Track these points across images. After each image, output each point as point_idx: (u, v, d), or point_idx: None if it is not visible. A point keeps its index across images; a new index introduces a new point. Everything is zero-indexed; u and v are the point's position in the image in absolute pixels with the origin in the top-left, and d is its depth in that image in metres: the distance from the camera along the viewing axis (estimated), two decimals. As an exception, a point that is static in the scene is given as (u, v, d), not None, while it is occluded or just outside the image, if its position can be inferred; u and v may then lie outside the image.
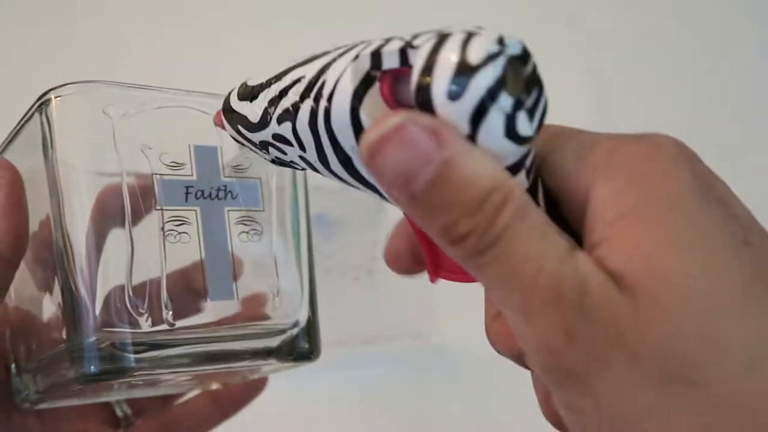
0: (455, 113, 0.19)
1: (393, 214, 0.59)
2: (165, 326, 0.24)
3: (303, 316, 0.27)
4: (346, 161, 0.22)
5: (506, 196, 0.19)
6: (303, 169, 0.24)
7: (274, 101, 0.23)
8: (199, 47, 0.78)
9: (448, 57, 0.19)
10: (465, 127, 0.19)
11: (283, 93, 0.22)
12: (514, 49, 0.19)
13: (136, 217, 0.24)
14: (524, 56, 0.20)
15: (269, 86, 0.23)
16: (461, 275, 0.24)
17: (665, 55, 0.83)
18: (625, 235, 0.19)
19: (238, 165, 0.26)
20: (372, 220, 0.56)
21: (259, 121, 0.23)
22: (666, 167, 0.19)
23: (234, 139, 0.24)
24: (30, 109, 0.25)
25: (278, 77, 0.23)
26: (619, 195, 0.19)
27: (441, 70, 0.19)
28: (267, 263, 0.26)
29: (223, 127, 0.24)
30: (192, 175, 0.25)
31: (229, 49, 0.79)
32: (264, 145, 0.24)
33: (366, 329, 0.58)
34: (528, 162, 0.21)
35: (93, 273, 0.23)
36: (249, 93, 0.24)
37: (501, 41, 0.19)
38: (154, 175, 0.24)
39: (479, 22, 0.73)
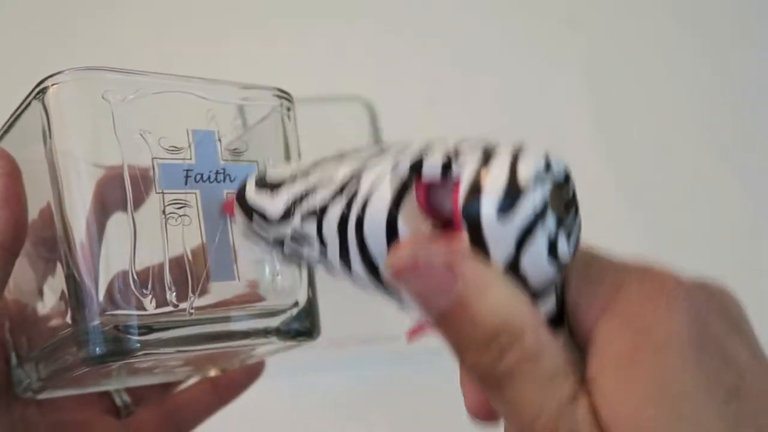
0: (503, 233, 0.19)
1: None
2: (169, 308, 0.24)
3: (302, 295, 0.28)
4: (371, 267, 0.22)
5: (513, 340, 0.19)
6: (317, 266, 0.24)
7: (299, 199, 0.23)
8: (200, 46, 0.78)
9: (498, 177, 0.19)
10: (511, 247, 0.19)
11: (311, 191, 0.23)
12: (559, 170, 0.20)
13: (137, 202, 0.25)
14: (567, 178, 0.20)
15: (294, 181, 0.23)
16: None
17: (665, 55, 0.83)
18: (613, 386, 0.19)
19: (236, 148, 0.26)
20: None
21: (280, 217, 0.23)
22: (663, 311, 0.20)
23: (245, 230, 0.25)
24: (27, 97, 0.25)
25: (305, 173, 0.23)
26: (613, 338, 0.20)
27: (490, 190, 0.19)
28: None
29: (232, 215, 0.25)
30: (191, 158, 0.25)
31: (230, 49, 0.79)
32: (278, 241, 0.24)
33: (366, 329, 0.58)
34: (558, 288, 0.21)
35: (95, 258, 0.24)
36: (269, 185, 0.24)
37: (548, 162, 0.19)
38: (154, 159, 0.24)
39: (479, 22, 0.73)
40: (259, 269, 0.27)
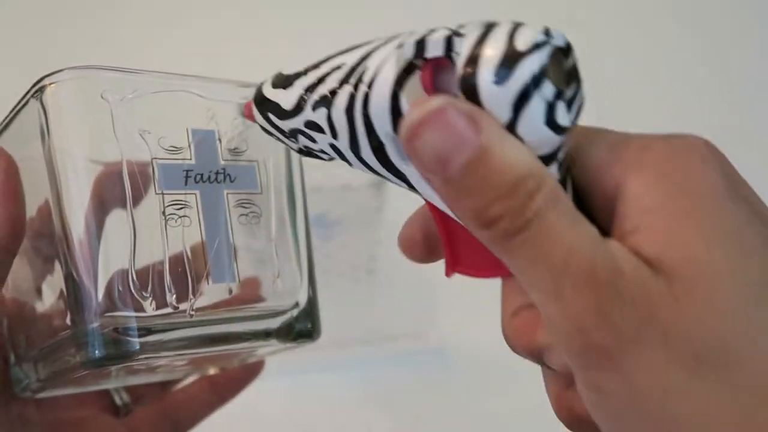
0: (499, 97, 0.19)
1: (393, 215, 0.60)
2: (169, 309, 0.24)
3: (303, 296, 0.27)
4: (378, 149, 0.22)
5: (539, 183, 0.19)
6: (330, 159, 0.24)
7: (311, 88, 0.23)
8: (199, 46, 0.78)
9: (496, 43, 0.19)
10: (507, 112, 0.20)
11: (321, 80, 0.23)
12: (558, 41, 0.20)
13: (136, 199, 0.24)
14: (567, 50, 0.21)
15: (306, 74, 0.24)
16: (480, 271, 0.24)
17: (665, 55, 0.83)
18: (659, 224, 0.19)
19: (236, 148, 0.26)
20: (372, 220, 0.56)
21: (292, 108, 0.23)
22: (696, 164, 0.20)
23: (262, 128, 0.24)
24: (25, 95, 0.25)
25: (316, 65, 0.24)
26: (651, 187, 0.20)
27: (488, 55, 0.19)
28: (267, 245, 0.27)
29: (252, 118, 0.25)
30: (191, 158, 0.25)
31: (230, 49, 0.79)
32: (293, 133, 0.24)
33: (366, 329, 0.58)
34: (560, 155, 0.21)
35: (94, 259, 0.23)
36: (284, 81, 0.24)
37: (547, 32, 0.20)
38: (153, 160, 0.24)
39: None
40: (260, 270, 0.26)
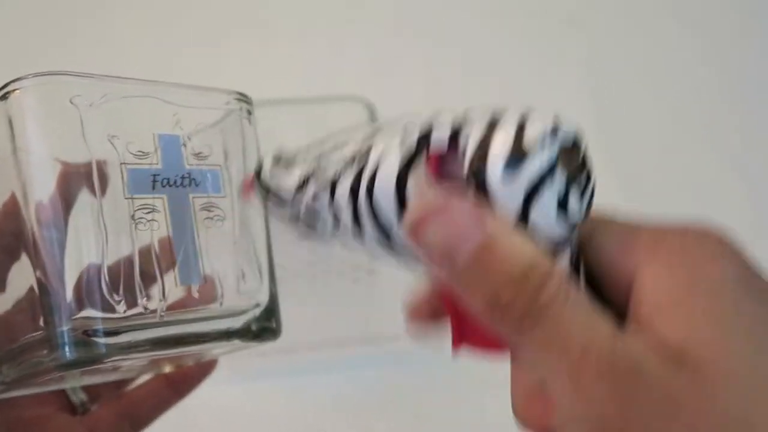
0: (509, 193, 0.20)
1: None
2: (140, 310, 0.24)
3: (264, 296, 0.28)
4: (384, 234, 0.23)
5: (549, 273, 0.19)
6: (331, 239, 0.25)
7: (312, 174, 0.24)
8: (199, 46, 0.78)
9: (504, 139, 0.19)
10: (518, 207, 0.20)
11: (323, 166, 0.23)
12: (568, 133, 0.20)
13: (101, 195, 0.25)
14: (577, 139, 0.21)
15: (306, 157, 0.24)
16: (486, 348, 0.24)
17: (665, 55, 0.83)
18: (678, 319, 0.19)
19: (200, 152, 0.27)
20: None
21: (294, 192, 0.24)
22: (711, 256, 0.20)
23: (264, 205, 0.25)
24: None
25: (317, 148, 0.24)
26: (666, 280, 0.20)
27: (496, 153, 0.19)
28: (230, 247, 0.27)
29: (249, 195, 0.25)
30: (158, 163, 0.25)
31: (229, 49, 0.79)
32: (294, 218, 0.25)
33: (366, 329, 0.58)
34: (573, 242, 0.21)
35: (62, 260, 0.24)
36: (285, 161, 0.25)
37: (556, 124, 0.20)
38: (122, 165, 0.25)
39: (479, 22, 0.73)
40: (223, 271, 0.27)
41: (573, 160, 0.20)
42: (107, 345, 0.24)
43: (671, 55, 0.83)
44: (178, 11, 0.83)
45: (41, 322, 0.24)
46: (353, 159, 0.23)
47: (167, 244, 0.25)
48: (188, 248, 0.26)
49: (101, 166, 0.24)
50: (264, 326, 0.28)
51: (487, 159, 0.19)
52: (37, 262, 0.23)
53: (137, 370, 0.31)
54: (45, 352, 0.24)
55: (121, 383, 0.33)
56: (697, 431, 0.18)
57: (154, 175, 0.25)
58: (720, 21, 0.87)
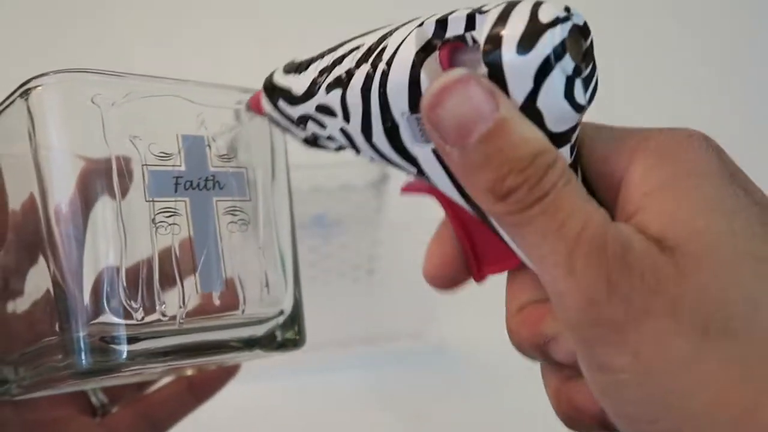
0: (522, 68, 0.20)
1: (393, 215, 0.59)
2: (158, 316, 0.24)
3: (288, 304, 0.27)
4: (391, 130, 0.22)
5: (555, 159, 0.20)
6: (337, 148, 0.24)
7: (326, 70, 0.23)
8: (199, 46, 0.78)
9: (519, 17, 0.20)
10: (529, 83, 0.20)
11: (338, 61, 0.23)
12: (578, 19, 0.21)
13: (122, 192, 0.24)
14: (585, 29, 0.21)
15: (321, 58, 0.24)
16: (506, 262, 0.25)
17: (665, 55, 0.83)
18: (662, 203, 0.21)
19: (225, 154, 0.26)
20: (371, 220, 0.56)
21: (304, 93, 0.23)
22: (695, 149, 0.22)
23: (270, 117, 0.24)
24: (10, 96, 0.24)
25: (332, 49, 0.24)
26: (653, 170, 0.21)
27: (511, 27, 0.20)
28: (254, 252, 0.26)
29: (259, 109, 0.24)
30: (180, 165, 0.25)
31: (229, 49, 0.79)
32: (302, 120, 0.23)
33: (366, 329, 0.58)
34: (573, 137, 0.22)
35: (81, 264, 0.23)
36: (297, 66, 0.24)
37: (568, 9, 0.21)
38: (144, 166, 0.24)
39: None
40: (247, 278, 0.26)
41: (580, 47, 0.21)
42: (124, 352, 0.23)
43: (671, 55, 0.83)
44: (178, 11, 0.83)
45: (57, 327, 0.23)
46: (369, 51, 0.22)
47: (188, 249, 0.24)
48: (210, 253, 0.25)
49: (122, 164, 0.24)
50: (288, 335, 0.27)
51: (501, 34, 0.20)
52: (54, 263, 0.23)
53: (158, 373, 0.31)
54: (60, 357, 0.23)
55: (142, 385, 0.33)
56: (677, 307, 0.19)
57: (177, 178, 0.24)
58: (720, 21, 0.87)
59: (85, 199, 0.24)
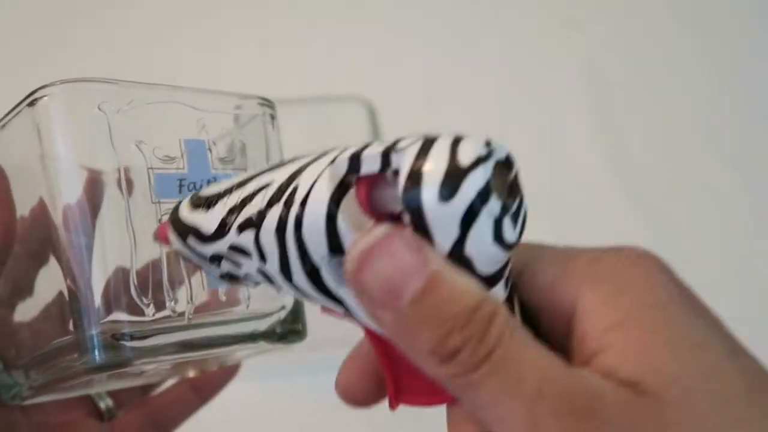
0: (446, 215, 0.18)
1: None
2: (168, 313, 0.25)
3: (289, 299, 0.28)
4: (312, 272, 0.21)
5: (495, 309, 0.19)
6: (255, 284, 0.23)
7: (235, 209, 0.22)
8: (200, 47, 0.78)
9: (438, 158, 0.18)
10: (455, 230, 0.19)
11: (247, 200, 0.22)
12: (500, 154, 0.20)
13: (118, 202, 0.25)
14: (509, 162, 0.20)
15: (229, 194, 0.23)
16: (426, 397, 0.23)
17: (665, 55, 0.83)
18: (628, 342, 0.19)
19: (225, 157, 0.27)
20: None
21: (214, 232, 0.22)
22: (652, 276, 0.20)
23: (178, 252, 0.24)
24: (18, 105, 0.25)
25: (240, 184, 0.23)
26: (610, 302, 0.20)
27: (431, 170, 0.18)
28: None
29: (166, 241, 0.24)
30: (184, 168, 0.26)
31: (230, 49, 0.79)
32: (215, 258, 0.23)
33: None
34: (506, 272, 0.21)
35: (90, 265, 0.24)
36: (204, 202, 0.23)
37: (488, 144, 0.19)
38: (149, 170, 0.25)
39: (479, 22, 0.73)
40: None
41: (505, 182, 0.20)
42: (135, 348, 0.24)
43: (671, 55, 0.83)
44: (178, 13, 0.83)
45: (71, 326, 0.24)
46: (281, 189, 0.21)
47: None
48: None
49: (126, 173, 0.25)
50: (289, 328, 0.28)
51: (421, 178, 0.18)
52: (65, 268, 0.24)
53: (162, 375, 0.31)
54: (75, 356, 0.24)
55: (146, 389, 0.33)
56: None
57: (181, 180, 0.25)
58: (720, 21, 0.87)
59: (93, 204, 0.24)
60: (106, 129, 0.24)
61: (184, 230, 0.23)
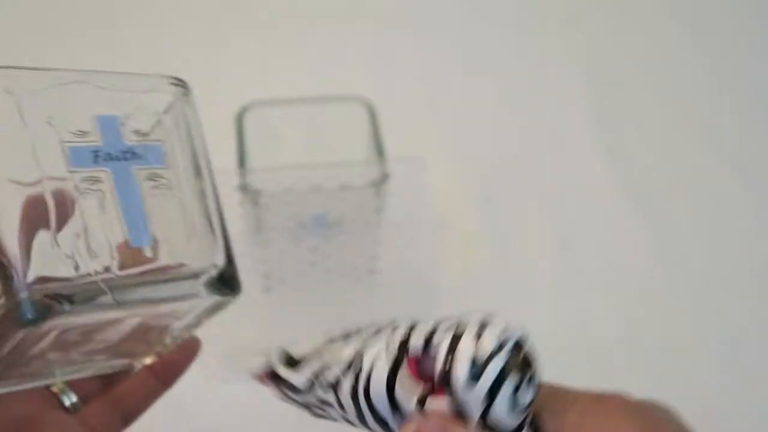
0: (473, 394, 0.26)
1: (392, 215, 0.59)
2: (96, 269, 0.26)
3: (220, 257, 0.30)
4: (381, 421, 0.29)
5: None
6: (342, 419, 0.31)
7: (318, 375, 0.30)
8: (200, 46, 0.78)
9: (466, 347, 0.26)
10: (481, 403, 0.26)
11: (326, 369, 0.30)
12: (516, 336, 0.27)
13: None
14: (522, 342, 0.27)
15: (311, 359, 0.31)
16: None
17: (665, 55, 0.83)
18: None
19: (139, 130, 0.29)
20: (372, 220, 0.56)
21: (306, 389, 0.31)
22: (622, 424, 0.26)
23: (280, 397, 0.32)
24: None
25: (319, 352, 0.31)
26: None
27: (461, 358, 0.26)
28: (178, 213, 0.29)
29: (268, 384, 0.32)
30: (98, 141, 0.28)
31: (230, 49, 0.79)
32: (307, 404, 0.31)
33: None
34: (528, 419, 0.27)
35: (14, 232, 0.25)
36: (293, 363, 0.32)
37: (505, 331, 0.27)
38: (61, 143, 0.27)
39: (479, 22, 0.73)
40: (173, 235, 0.29)
41: (519, 359, 0.26)
42: (65, 305, 0.25)
43: (671, 55, 0.83)
44: (178, 11, 0.83)
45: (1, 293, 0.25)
46: (349, 364, 0.29)
47: (116, 212, 0.27)
48: (136, 213, 0.28)
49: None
50: (224, 283, 0.30)
51: (453, 365, 0.26)
52: None
53: (117, 364, 0.33)
54: (8, 321, 0.25)
55: (108, 381, 0.34)
56: None
57: (96, 152, 0.27)
58: (720, 21, 0.87)
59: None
60: (15, 108, 0.26)
61: (281, 383, 0.32)
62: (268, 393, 0.56)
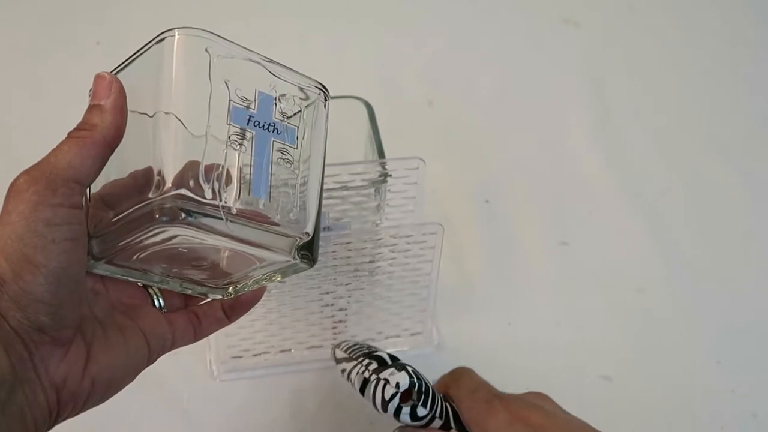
0: (388, 415, 0.44)
1: (392, 215, 0.59)
2: (221, 203, 0.33)
3: (311, 228, 0.36)
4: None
5: None
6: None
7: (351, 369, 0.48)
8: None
9: (379, 395, 0.44)
10: (393, 419, 0.44)
11: (357, 364, 0.48)
12: (406, 383, 0.44)
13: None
14: (412, 384, 0.44)
15: (348, 360, 0.49)
16: None
17: (665, 55, 0.83)
18: None
19: (285, 113, 0.36)
20: (372, 220, 0.56)
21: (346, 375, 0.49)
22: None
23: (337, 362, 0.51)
24: (148, 44, 0.34)
25: (357, 358, 0.49)
26: None
27: (380, 399, 0.44)
28: (293, 183, 0.36)
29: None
30: (254, 110, 0.35)
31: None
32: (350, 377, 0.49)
33: (366, 329, 0.58)
34: (435, 413, 0.45)
35: (173, 150, 0.32)
36: (345, 354, 0.50)
37: (397, 385, 0.44)
38: (230, 102, 0.34)
39: (480, 22, 0.73)
40: (284, 200, 0.35)
41: (412, 395, 0.41)
42: (191, 216, 0.32)
43: (671, 55, 0.83)
44: (177, 12, 0.83)
45: (147, 195, 0.32)
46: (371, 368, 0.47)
47: (250, 165, 0.34)
48: (263, 172, 0.34)
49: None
50: (306, 252, 0.36)
51: (376, 405, 0.45)
52: (156, 150, 0.32)
53: (198, 290, 0.40)
54: (144, 214, 0.32)
55: (188, 301, 0.41)
56: None
57: (250, 116, 0.34)
58: (720, 21, 0.87)
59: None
60: (207, 65, 0.33)
61: (337, 360, 0.50)
62: (268, 393, 0.56)
